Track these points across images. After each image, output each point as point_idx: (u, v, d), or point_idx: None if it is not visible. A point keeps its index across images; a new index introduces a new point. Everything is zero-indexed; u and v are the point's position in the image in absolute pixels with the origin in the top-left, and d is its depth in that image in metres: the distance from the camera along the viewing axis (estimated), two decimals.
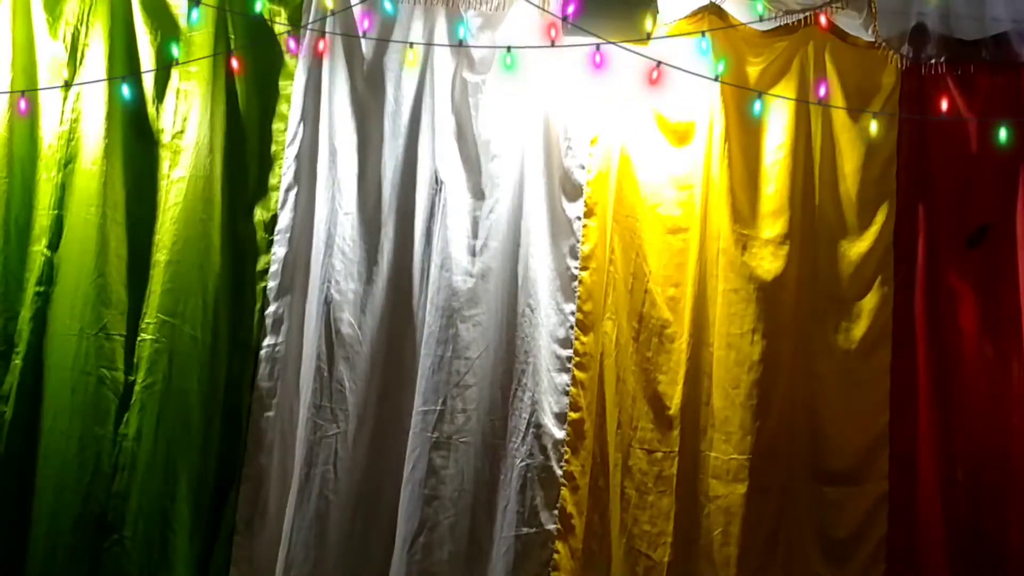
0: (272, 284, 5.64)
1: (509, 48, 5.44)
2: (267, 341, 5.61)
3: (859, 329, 5.43)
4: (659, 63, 5.35)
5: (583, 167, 5.54)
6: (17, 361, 5.52)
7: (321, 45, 5.64)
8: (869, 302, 5.45)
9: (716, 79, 5.32)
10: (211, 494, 5.52)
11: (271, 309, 5.62)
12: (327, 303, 5.55)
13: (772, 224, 5.47)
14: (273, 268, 5.65)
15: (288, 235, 5.67)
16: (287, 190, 5.69)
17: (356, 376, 5.52)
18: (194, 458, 5.49)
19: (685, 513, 5.32)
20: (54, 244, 5.59)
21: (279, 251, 5.65)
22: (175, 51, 5.61)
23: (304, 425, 5.49)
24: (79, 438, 5.45)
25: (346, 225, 5.62)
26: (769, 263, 5.43)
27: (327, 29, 5.59)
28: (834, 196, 5.52)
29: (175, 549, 5.43)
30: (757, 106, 5.41)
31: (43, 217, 5.61)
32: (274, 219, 5.69)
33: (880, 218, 5.49)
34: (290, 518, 5.44)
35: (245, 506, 5.52)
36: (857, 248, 5.49)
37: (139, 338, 5.53)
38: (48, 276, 5.57)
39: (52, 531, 5.38)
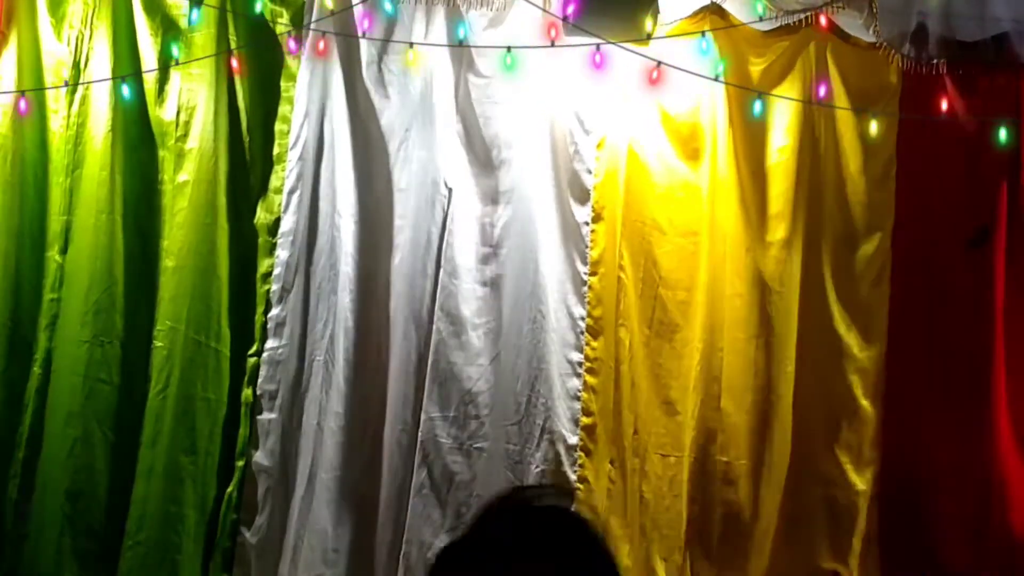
0: (275, 287, 5.59)
1: (509, 48, 5.40)
2: (269, 344, 5.56)
3: (859, 330, 5.41)
4: (659, 63, 5.31)
5: (590, 171, 5.45)
6: (36, 369, 5.52)
7: (322, 46, 5.58)
8: (868, 302, 5.44)
9: (716, 79, 5.30)
10: (213, 496, 5.52)
11: (273, 312, 5.58)
12: (334, 308, 5.52)
13: (776, 227, 5.44)
14: (276, 271, 5.59)
15: (291, 238, 5.60)
16: (290, 193, 5.63)
17: (364, 382, 5.50)
18: (198, 461, 5.50)
19: (697, 516, 5.32)
20: (65, 250, 5.58)
21: (282, 254, 5.60)
22: (176, 53, 5.59)
23: (312, 430, 5.48)
24: (96, 445, 5.47)
25: (351, 230, 5.57)
26: (774, 267, 5.41)
27: (328, 30, 5.56)
28: (838, 197, 5.49)
29: (182, 551, 5.45)
30: (758, 106, 5.37)
31: (55, 223, 5.61)
32: (277, 222, 5.63)
33: (881, 219, 5.45)
34: (299, 521, 5.43)
35: (246, 507, 5.51)
36: (858, 250, 5.46)
37: (152, 345, 5.53)
38: (60, 282, 5.56)
39: (66, 535, 5.42)
